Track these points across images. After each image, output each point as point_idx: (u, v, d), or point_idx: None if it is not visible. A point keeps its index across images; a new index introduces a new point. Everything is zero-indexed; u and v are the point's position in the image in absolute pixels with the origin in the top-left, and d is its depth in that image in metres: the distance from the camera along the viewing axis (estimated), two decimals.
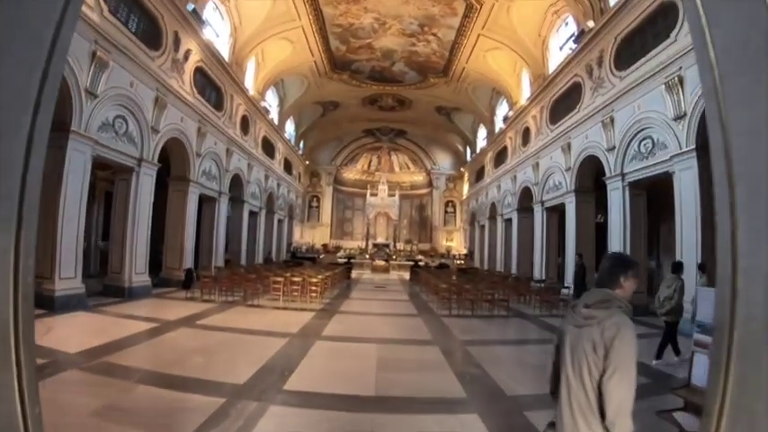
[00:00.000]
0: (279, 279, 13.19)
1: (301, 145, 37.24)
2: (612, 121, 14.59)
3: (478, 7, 19.08)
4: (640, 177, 13.52)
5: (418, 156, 42.66)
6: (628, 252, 13.90)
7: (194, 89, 16.67)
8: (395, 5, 19.97)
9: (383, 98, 31.89)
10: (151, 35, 13.86)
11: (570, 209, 17.47)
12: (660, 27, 12.58)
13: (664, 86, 12.10)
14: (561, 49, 19.18)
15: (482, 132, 33.54)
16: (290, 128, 33.53)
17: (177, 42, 15.12)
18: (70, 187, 10.92)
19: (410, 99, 31.69)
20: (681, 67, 11.47)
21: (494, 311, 13.20)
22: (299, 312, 11.91)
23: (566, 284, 17.23)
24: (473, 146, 35.68)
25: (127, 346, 7.59)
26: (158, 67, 14.18)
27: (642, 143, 13.35)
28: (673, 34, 11.86)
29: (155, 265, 17.17)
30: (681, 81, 11.53)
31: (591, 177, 17.19)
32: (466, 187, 39.31)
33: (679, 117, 11.61)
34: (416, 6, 19.94)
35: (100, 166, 16.69)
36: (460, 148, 39.30)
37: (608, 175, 14.86)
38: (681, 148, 11.53)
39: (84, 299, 11.44)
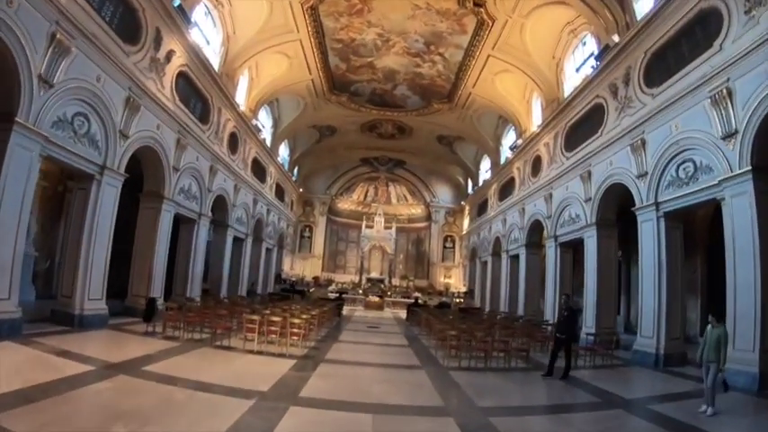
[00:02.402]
0: (254, 318, 10.78)
1: (295, 172, 35.52)
2: (644, 143, 12.92)
3: (490, 24, 17.72)
4: (679, 206, 11.77)
5: (417, 187, 40.97)
6: (664, 295, 11.99)
7: (175, 95, 14.94)
8: (400, 20, 18.62)
9: (383, 125, 30.44)
10: (128, 27, 12.20)
11: (591, 244, 15.59)
12: (699, 37, 11.18)
13: (708, 101, 10.54)
14: (578, 71, 17.83)
15: (485, 164, 32.06)
16: (283, 152, 31.90)
17: (159, 40, 13.49)
18: (9, 189, 8.92)
19: (411, 126, 30.23)
20: (729, 79, 9.98)
21: (510, 363, 11.02)
22: (276, 359, 9.70)
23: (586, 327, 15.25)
24: (475, 178, 34.11)
25: (36, 399, 5.52)
26: (133, 64, 12.48)
27: (681, 167, 11.65)
28: (716, 43, 10.45)
29: (120, 291, 15.11)
30: (730, 94, 9.99)
31: (613, 209, 15.45)
32: (466, 222, 37.50)
33: (729, 135, 9.98)
34: (423, 22, 18.60)
35: (70, 174, 14.93)
36: (461, 180, 37.74)
37: (638, 204, 13.09)
38: (732, 171, 9.86)
39: (19, 325, 9.34)
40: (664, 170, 12.20)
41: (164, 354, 9.22)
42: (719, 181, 10.14)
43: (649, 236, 12.63)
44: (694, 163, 11.22)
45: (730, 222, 9.95)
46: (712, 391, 7.06)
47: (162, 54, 13.78)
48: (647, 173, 12.78)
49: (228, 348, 10.54)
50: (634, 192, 13.35)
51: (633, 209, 13.27)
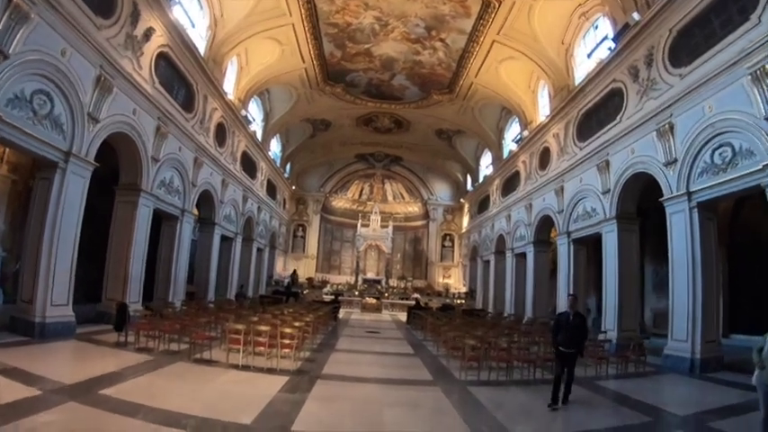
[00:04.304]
0: (238, 328, 9.14)
1: (287, 168, 34.12)
2: (672, 128, 11.73)
3: (497, 6, 16.43)
4: (715, 196, 10.60)
5: (414, 185, 39.55)
6: (699, 294, 10.78)
7: (155, 78, 13.53)
8: (400, 2, 17.30)
9: (379, 118, 29.10)
10: None
11: (611, 239, 14.36)
12: (732, 10, 10.08)
13: (748, 79, 9.46)
14: (590, 56, 16.61)
15: (486, 159, 30.85)
16: (275, 147, 30.49)
17: (136, 15, 12.10)
18: None
19: (409, 120, 28.95)
20: None
21: (534, 374, 9.67)
22: (265, 376, 8.28)
23: (603, 329, 14.03)
24: (475, 174, 32.85)
25: None
26: (106, 40, 11.10)
27: (717, 152, 10.47)
28: (754, 16, 9.37)
29: (94, 294, 13.70)
30: None
31: (635, 201, 14.25)
32: (466, 220, 36.24)
33: None
34: (424, 4, 17.29)
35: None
36: (460, 177, 36.45)
37: (667, 195, 11.88)
38: None
39: None
40: (696, 156, 11.02)
41: (131, 371, 7.77)
42: (763, 166, 9.01)
43: (681, 229, 11.42)
44: (732, 147, 10.06)
45: None
46: None
47: (140, 31, 12.39)
48: (676, 160, 11.58)
49: (209, 362, 9.08)
50: (662, 181, 12.13)
51: (661, 199, 12.04)
